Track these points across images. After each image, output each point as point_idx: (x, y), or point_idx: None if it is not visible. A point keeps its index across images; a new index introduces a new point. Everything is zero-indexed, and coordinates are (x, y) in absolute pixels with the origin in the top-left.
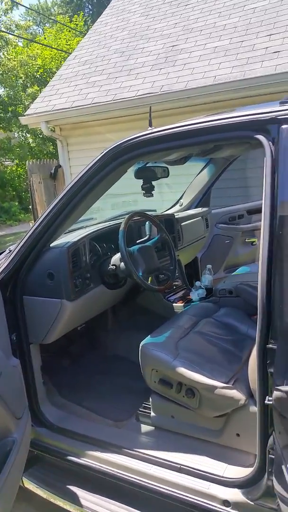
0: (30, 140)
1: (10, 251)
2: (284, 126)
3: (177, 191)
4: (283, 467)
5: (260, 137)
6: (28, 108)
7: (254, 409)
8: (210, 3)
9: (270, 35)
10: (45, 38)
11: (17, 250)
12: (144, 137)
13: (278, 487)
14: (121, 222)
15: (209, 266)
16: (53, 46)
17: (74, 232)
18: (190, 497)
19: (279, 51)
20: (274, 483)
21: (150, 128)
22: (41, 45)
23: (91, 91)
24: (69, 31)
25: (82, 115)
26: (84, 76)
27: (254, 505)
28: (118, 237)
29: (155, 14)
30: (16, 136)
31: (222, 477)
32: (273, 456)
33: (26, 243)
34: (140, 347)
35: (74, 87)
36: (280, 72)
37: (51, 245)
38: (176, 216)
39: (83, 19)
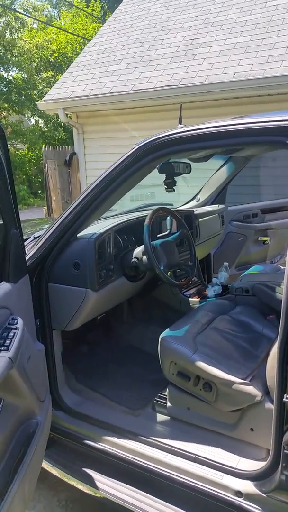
0: (42, 125)
1: (35, 238)
2: None
3: (193, 185)
4: None
5: None
6: (45, 93)
7: (270, 406)
8: None
9: None
10: (61, 22)
11: (45, 238)
12: (176, 135)
13: None
14: (142, 216)
15: (226, 263)
16: (69, 31)
17: (96, 222)
18: (203, 486)
19: None
20: None
21: (180, 125)
22: (56, 29)
23: (110, 80)
24: (86, 16)
25: (100, 104)
26: (103, 64)
27: (266, 497)
28: (143, 230)
29: (176, 5)
30: (26, 119)
31: (236, 469)
32: None
33: (55, 232)
34: (160, 339)
35: (93, 75)
36: None
37: (78, 235)
38: (194, 212)
39: (100, 5)
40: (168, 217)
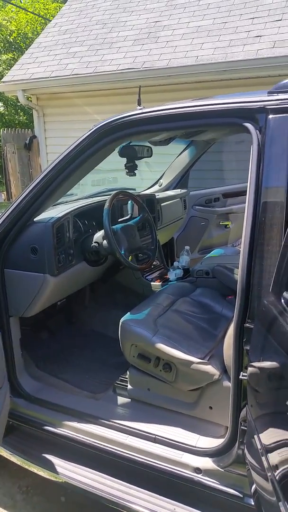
0: (1, 108)
1: None
2: (271, 116)
3: (156, 170)
4: (255, 437)
5: (248, 125)
6: (4, 75)
7: (227, 384)
8: None
9: (253, 18)
10: (21, 1)
11: None
12: (134, 116)
13: (249, 456)
14: (103, 200)
15: (187, 247)
16: (29, 10)
17: (56, 207)
18: (163, 465)
19: (260, 36)
20: (245, 452)
21: (139, 107)
22: (16, 8)
23: (71, 61)
24: None
25: (61, 86)
26: (64, 45)
27: (223, 471)
28: (102, 215)
29: None
30: None
31: (195, 447)
32: (245, 428)
33: (10, 216)
34: (120, 323)
35: (54, 56)
36: (260, 57)
37: (35, 219)
38: (156, 196)
39: None
40: (130, 202)
